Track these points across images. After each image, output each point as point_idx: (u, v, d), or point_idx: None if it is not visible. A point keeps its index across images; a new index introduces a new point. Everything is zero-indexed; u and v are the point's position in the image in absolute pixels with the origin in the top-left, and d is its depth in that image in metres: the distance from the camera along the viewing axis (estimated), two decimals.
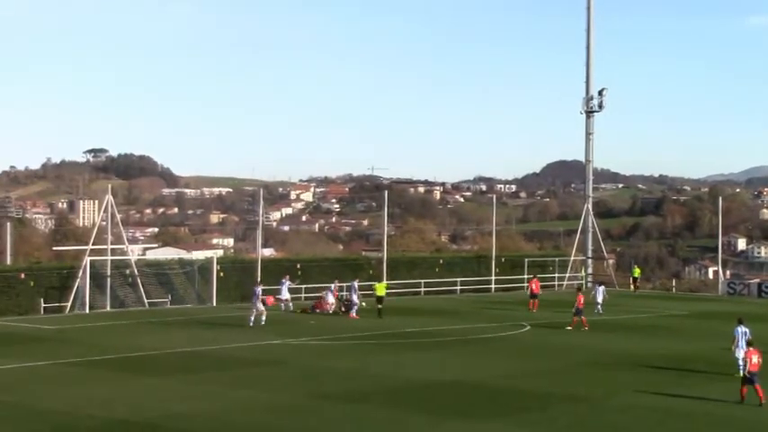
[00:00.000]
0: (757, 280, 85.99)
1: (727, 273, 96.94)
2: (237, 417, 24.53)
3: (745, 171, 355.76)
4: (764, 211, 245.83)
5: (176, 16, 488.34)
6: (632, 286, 77.11)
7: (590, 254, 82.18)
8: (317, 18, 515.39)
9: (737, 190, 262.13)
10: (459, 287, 70.16)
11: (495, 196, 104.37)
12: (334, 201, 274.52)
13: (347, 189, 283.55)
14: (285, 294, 54.98)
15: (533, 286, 57.24)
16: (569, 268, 78.35)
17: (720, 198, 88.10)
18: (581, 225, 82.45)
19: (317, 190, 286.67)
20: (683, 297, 72.97)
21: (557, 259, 79.64)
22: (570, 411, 25.85)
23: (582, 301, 47.26)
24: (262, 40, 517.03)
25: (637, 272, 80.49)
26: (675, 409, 26.24)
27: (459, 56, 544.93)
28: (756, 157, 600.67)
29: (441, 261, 73.77)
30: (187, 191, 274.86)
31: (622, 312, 55.79)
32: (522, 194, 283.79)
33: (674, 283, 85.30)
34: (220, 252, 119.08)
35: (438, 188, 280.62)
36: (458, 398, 27.74)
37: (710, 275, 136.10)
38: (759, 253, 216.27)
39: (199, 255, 79.19)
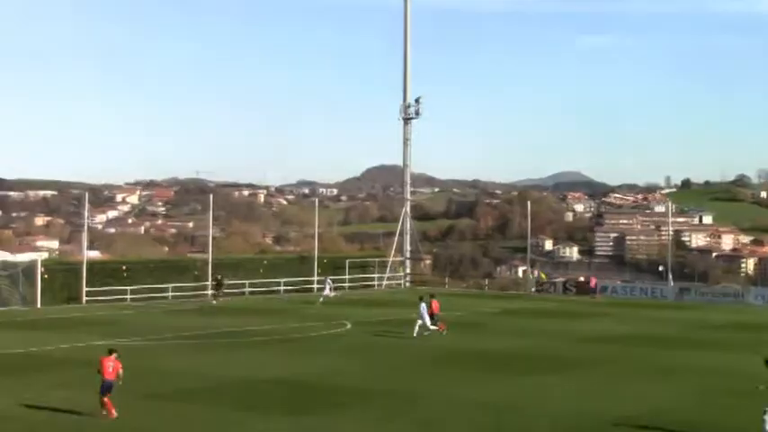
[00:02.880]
0: (562, 279, 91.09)
1: (536, 272, 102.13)
2: (62, 418, 24.84)
3: (552, 176, 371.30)
4: (569, 213, 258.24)
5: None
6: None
7: (408, 254, 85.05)
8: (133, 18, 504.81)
9: (545, 194, 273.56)
10: (282, 287, 71.52)
11: (317, 199, 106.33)
12: (159, 204, 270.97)
13: (173, 192, 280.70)
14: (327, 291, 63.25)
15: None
16: (388, 268, 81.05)
17: (529, 202, 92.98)
18: (399, 227, 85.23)
19: (143, 193, 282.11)
20: (496, 295, 76.37)
21: (376, 260, 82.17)
22: (386, 406, 27.00)
23: (437, 308, 45.90)
24: (73, 42, 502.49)
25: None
26: (487, 403, 27.59)
27: (279, 60, 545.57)
28: (562, 162, 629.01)
29: (265, 262, 75.04)
30: (11, 193, 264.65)
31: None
32: (344, 198, 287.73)
33: (486, 282, 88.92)
34: (45, 254, 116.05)
35: (262, 192, 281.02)
36: (281, 395, 28.71)
37: (520, 274, 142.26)
38: (564, 253, 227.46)
39: (23, 257, 77.45)
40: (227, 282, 64.95)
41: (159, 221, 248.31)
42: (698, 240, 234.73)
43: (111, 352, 25.21)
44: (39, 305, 56.97)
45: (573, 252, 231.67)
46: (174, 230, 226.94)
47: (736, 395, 29.62)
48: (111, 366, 24.71)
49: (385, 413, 26.07)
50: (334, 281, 67.51)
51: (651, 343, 43.73)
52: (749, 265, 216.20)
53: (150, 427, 24.29)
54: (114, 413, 24.42)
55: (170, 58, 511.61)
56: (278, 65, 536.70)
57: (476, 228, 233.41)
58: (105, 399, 24.57)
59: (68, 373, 32.60)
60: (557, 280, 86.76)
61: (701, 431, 24.46)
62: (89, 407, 25.41)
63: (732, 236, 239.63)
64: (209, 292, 64.51)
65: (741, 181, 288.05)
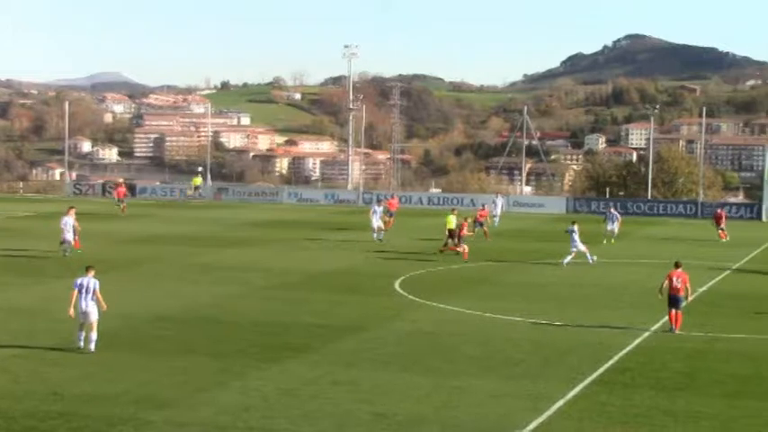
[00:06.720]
0: (101, 180, 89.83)
1: (74, 174, 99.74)
2: None
3: (91, 76, 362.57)
4: (108, 115, 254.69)
5: None
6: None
7: None
8: None
9: (83, 94, 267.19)
10: None
11: None
12: None
13: None
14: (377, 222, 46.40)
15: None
16: None
17: (67, 102, 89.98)
18: None
19: None
20: (31, 199, 73.60)
21: None
22: None
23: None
24: None
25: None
26: (17, 308, 26.87)
27: None
28: (101, 63, 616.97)
29: None
30: None
31: None
32: None
33: (21, 186, 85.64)
34: None
35: None
36: None
37: (57, 177, 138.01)
38: (104, 155, 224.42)
39: None
40: None
41: None
42: (236, 141, 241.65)
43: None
44: None
45: (112, 154, 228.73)
46: None
47: (273, 289, 31.14)
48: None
49: None
50: None
51: (190, 242, 44.46)
52: (283, 164, 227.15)
53: None
54: None
55: None
56: None
57: (9, 129, 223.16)
58: None
59: None
60: (96, 182, 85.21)
61: (240, 323, 25.17)
62: None
63: (268, 136, 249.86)
64: None
65: (277, 83, 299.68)
